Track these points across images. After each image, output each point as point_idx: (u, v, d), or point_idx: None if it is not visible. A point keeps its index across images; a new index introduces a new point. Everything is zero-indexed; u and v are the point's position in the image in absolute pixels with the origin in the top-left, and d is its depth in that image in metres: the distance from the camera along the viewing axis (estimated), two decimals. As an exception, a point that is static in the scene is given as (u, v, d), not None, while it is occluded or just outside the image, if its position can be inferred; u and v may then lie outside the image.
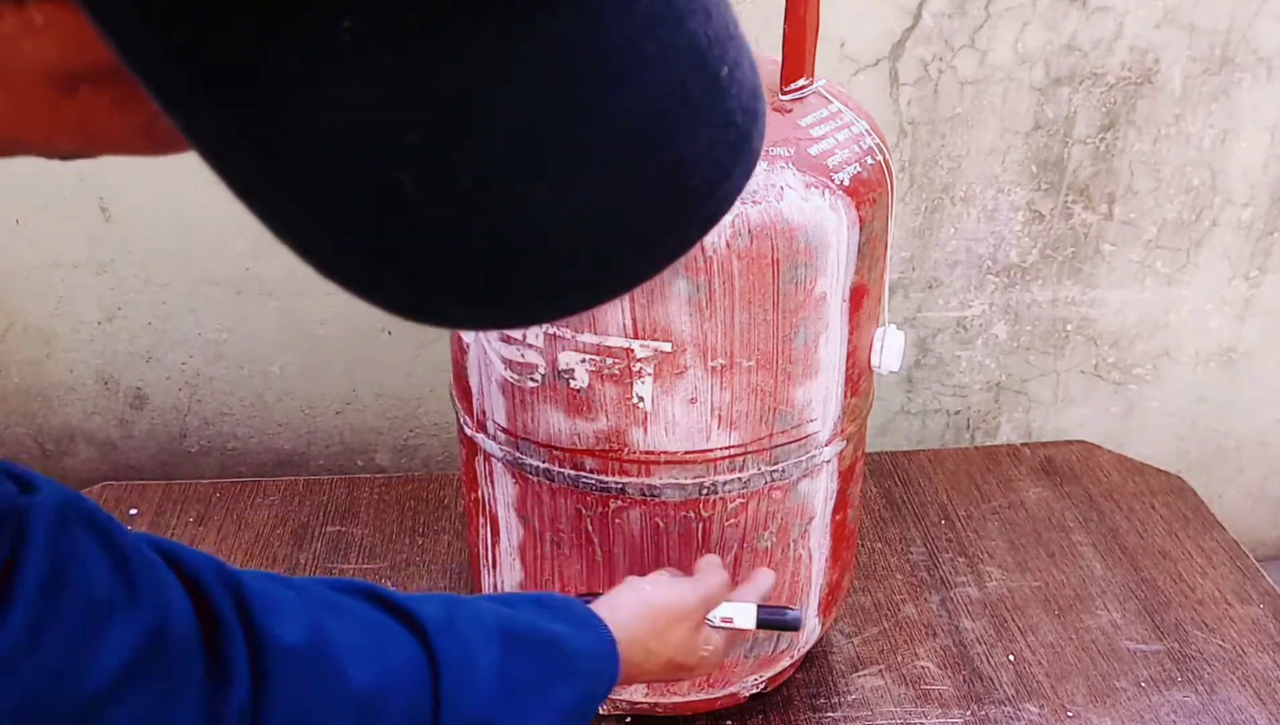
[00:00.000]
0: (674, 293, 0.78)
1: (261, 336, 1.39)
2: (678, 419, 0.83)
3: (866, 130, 0.85)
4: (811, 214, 0.78)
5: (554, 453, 0.87)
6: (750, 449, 0.86)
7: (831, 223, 0.79)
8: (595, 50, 0.28)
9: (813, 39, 0.83)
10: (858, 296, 0.85)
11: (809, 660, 1.08)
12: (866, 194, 0.82)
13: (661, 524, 0.87)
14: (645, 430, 0.84)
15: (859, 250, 0.83)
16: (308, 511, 1.27)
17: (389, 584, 1.17)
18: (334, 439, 1.47)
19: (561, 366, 0.82)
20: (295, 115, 0.27)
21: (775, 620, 0.84)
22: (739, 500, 0.87)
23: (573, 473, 0.87)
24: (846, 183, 0.80)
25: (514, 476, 0.90)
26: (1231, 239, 1.44)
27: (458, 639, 0.63)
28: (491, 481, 0.93)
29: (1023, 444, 1.44)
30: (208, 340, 1.39)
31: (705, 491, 0.86)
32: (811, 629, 0.99)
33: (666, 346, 0.80)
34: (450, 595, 0.68)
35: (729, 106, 0.32)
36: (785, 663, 1.00)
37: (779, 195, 0.77)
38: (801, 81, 0.83)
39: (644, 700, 0.99)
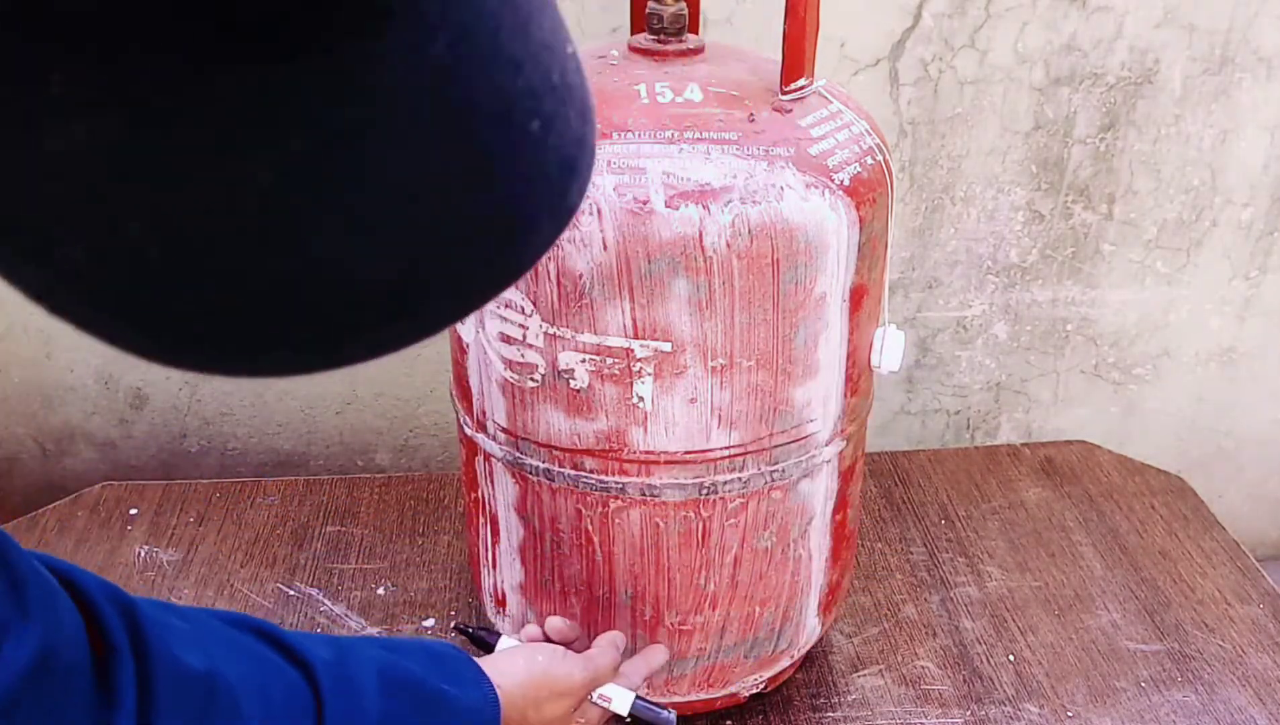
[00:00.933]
0: (674, 293, 0.78)
1: (261, 336, 1.39)
2: (678, 419, 0.83)
3: (866, 130, 0.85)
4: (811, 214, 0.78)
5: (554, 453, 0.87)
6: (750, 449, 0.86)
7: (831, 223, 0.79)
8: (363, 112, 0.27)
9: (813, 39, 0.83)
10: (858, 296, 0.85)
11: (809, 660, 1.08)
12: (866, 194, 0.82)
13: (661, 524, 0.87)
14: (645, 430, 0.84)
15: (859, 250, 0.83)
16: (307, 511, 1.27)
17: (389, 584, 1.17)
18: (334, 439, 1.47)
19: (561, 366, 0.82)
20: (11, 168, 0.26)
21: (649, 714, 0.87)
22: (739, 500, 0.87)
23: (573, 473, 0.87)
24: (846, 183, 0.80)
25: (514, 476, 0.90)
26: (1231, 239, 1.44)
27: (345, 683, 0.64)
28: (491, 481, 0.93)
29: (1023, 444, 1.44)
30: (208, 340, 1.39)
31: (705, 491, 0.86)
32: (812, 629, 0.99)
33: (666, 346, 0.80)
34: (338, 637, 0.70)
35: (541, 160, 0.32)
36: (785, 663, 1.00)
37: (779, 195, 0.77)
38: (801, 81, 0.83)
39: (644, 700, 0.99)
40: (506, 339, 0.84)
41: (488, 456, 0.92)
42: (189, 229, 0.27)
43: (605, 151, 0.78)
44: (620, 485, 0.86)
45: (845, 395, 0.89)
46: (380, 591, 1.16)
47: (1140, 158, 1.38)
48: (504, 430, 0.89)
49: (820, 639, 1.04)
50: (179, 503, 1.28)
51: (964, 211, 1.39)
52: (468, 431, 0.93)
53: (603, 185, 0.76)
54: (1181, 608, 1.17)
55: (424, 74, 0.28)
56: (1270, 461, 1.62)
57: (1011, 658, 1.10)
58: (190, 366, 0.31)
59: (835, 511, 0.94)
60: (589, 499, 0.87)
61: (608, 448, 0.85)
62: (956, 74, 1.31)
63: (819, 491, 0.91)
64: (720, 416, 0.83)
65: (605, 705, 0.85)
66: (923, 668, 1.09)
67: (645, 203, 0.76)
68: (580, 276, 0.78)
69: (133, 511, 1.26)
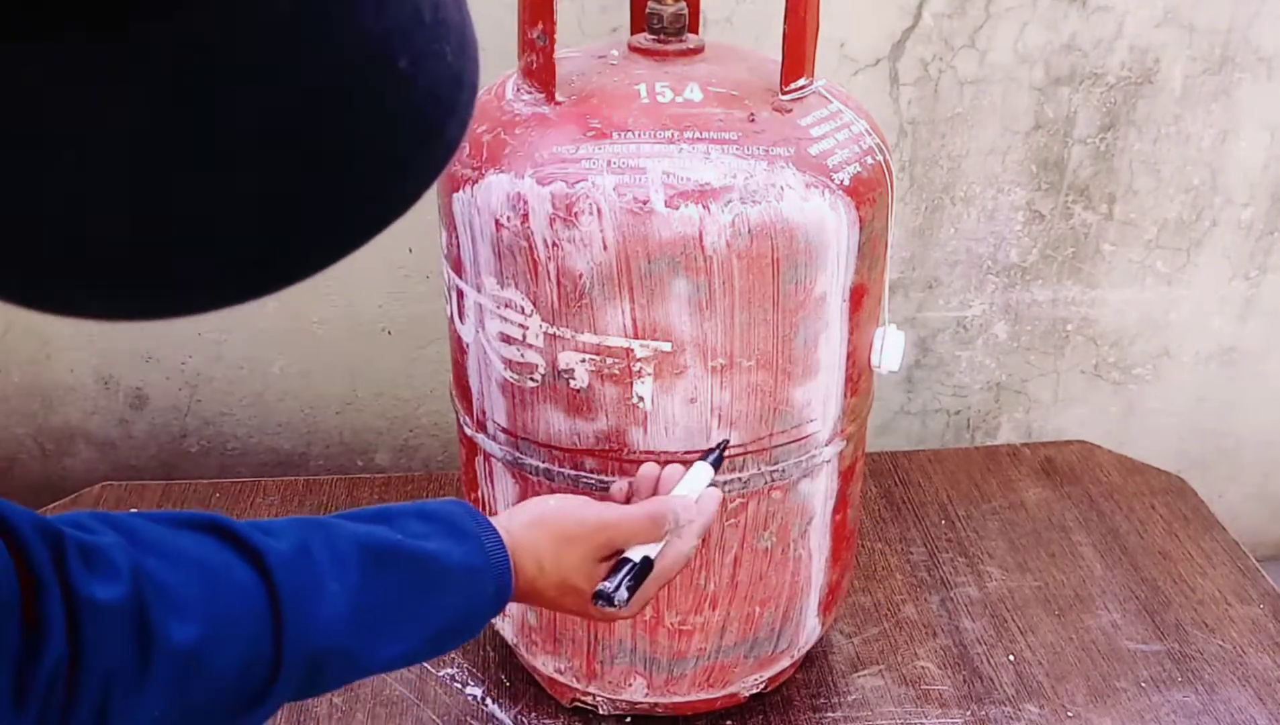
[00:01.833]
0: (674, 293, 0.78)
1: (261, 336, 1.39)
2: (678, 419, 0.83)
3: (866, 130, 0.85)
4: (811, 214, 0.78)
5: (554, 453, 0.87)
6: (750, 449, 0.86)
7: (831, 223, 0.79)
8: (211, 57, 0.27)
9: (813, 39, 0.83)
10: (858, 296, 0.85)
11: (809, 660, 1.08)
12: (866, 194, 0.82)
13: (661, 524, 0.87)
14: (645, 430, 0.84)
15: (859, 250, 0.83)
16: (307, 512, 1.27)
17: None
18: (333, 439, 1.47)
19: (561, 366, 0.82)
20: None
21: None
22: (739, 500, 0.87)
23: (573, 473, 0.87)
24: (846, 183, 0.80)
25: (514, 476, 0.90)
26: (1231, 239, 1.44)
27: (306, 569, 0.61)
28: (491, 481, 0.93)
29: (1023, 444, 1.44)
30: (208, 340, 1.39)
31: (705, 491, 0.86)
32: (812, 629, 0.99)
33: (666, 346, 0.80)
34: (312, 518, 0.66)
35: (410, 97, 0.32)
36: (785, 663, 1.00)
37: (779, 195, 0.77)
38: (801, 81, 0.83)
39: (644, 700, 0.99)
40: (506, 339, 0.84)
41: (488, 456, 0.92)
42: (60, 187, 0.28)
43: (605, 151, 0.78)
44: (620, 485, 0.86)
45: (845, 395, 0.89)
46: (380, 591, 1.16)
47: (1140, 158, 1.38)
48: (504, 430, 0.89)
49: (820, 639, 1.04)
50: (179, 503, 1.28)
51: (964, 211, 1.39)
52: (468, 431, 0.93)
53: (603, 185, 0.76)
54: (1181, 608, 1.17)
55: (279, 13, 0.28)
56: (1270, 461, 1.62)
57: (1011, 658, 1.10)
58: (70, 312, 0.32)
59: (835, 511, 0.94)
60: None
61: (608, 448, 0.85)
62: (956, 74, 1.31)
63: (819, 491, 0.91)
64: (720, 416, 0.83)
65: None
66: (923, 668, 1.09)
67: (645, 203, 0.76)
68: (580, 276, 0.78)
69: (133, 511, 1.26)
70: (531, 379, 0.84)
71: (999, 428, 1.56)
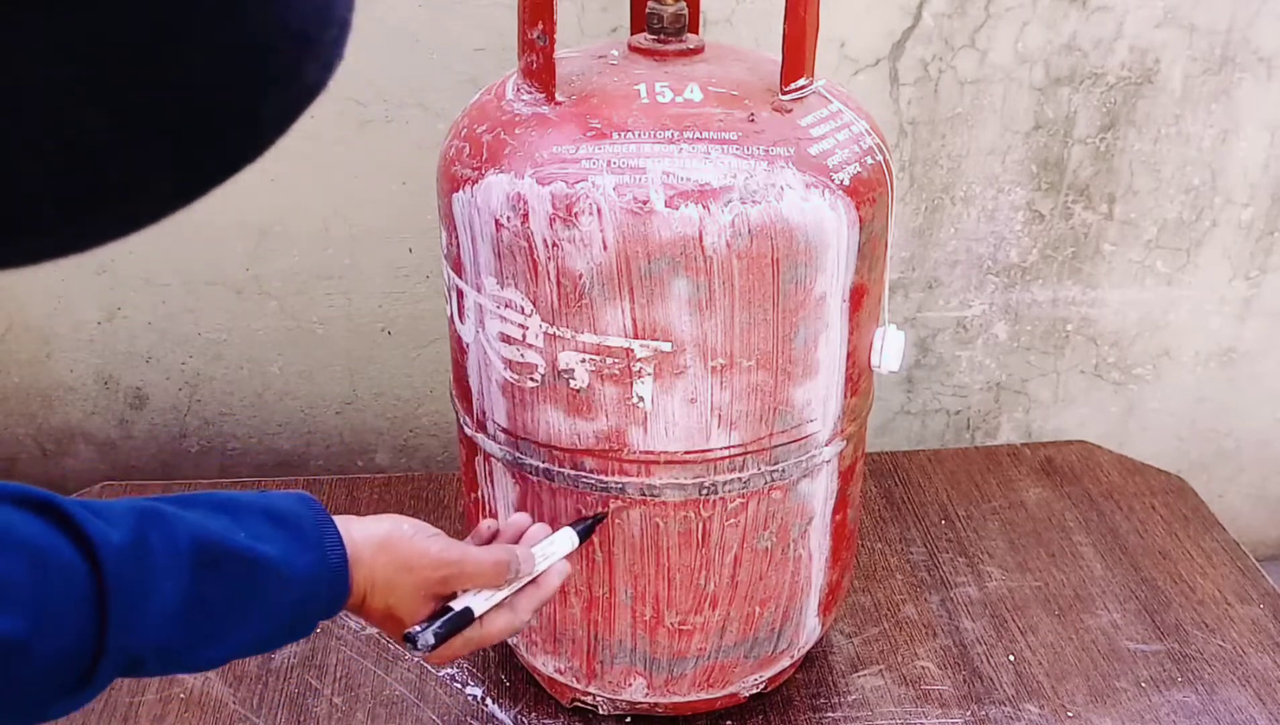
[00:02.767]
0: (674, 293, 0.78)
1: (261, 336, 1.39)
2: (678, 419, 0.83)
3: (866, 130, 0.85)
4: (811, 214, 0.78)
5: (554, 453, 0.87)
6: (750, 449, 0.86)
7: (831, 223, 0.79)
8: None
9: (813, 39, 0.83)
10: (858, 296, 0.85)
11: (809, 660, 1.08)
12: (866, 194, 0.82)
13: (661, 524, 0.87)
14: (645, 430, 0.84)
15: (859, 250, 0.83)
16: (308, 511, 1.27)
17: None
18: (334, 439, 1.47)
19: (561, 366, 0.82)
20: None
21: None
22: (739, 500, 0.87)
23: (573, 473, 0.87)
24: (846, 183, 0.80)
25: (514, 476, 0.90)
26: (1231, 239, 1.44)
27: (138, 563, 0.60)
28: (491, 481, 0.93)
29: (1023, 444, 1.44)
30: (208, 340, 1.39)
31: (705, 491, 0.86)
32: (812, 629, 0.99)
33: (666, 346, 0.80)
34: (152, 505, 0.64)
35: (260, 32, 0.28)
36: (785, 663, 1.00)
37: (779, 195, 0.77)
38: (801, 81, 0.83)
39: (644, 700, 0.99)
40: (506, 339, 0.84)
41: (488, 456, 0.91)
42: None
43: (605, 151, 0.78)
44: (620, 485, 0.86)
45: (845, 395, 0.89)
46: (380, 591, 1.16)
47: (1140, 158, 1.38)
48: (504, 430, 0.89)
49: (820, 639, 1.04)
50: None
51: (964, 211, 1.39)
52: (468, 431, 0.93)
53: (603, 185, 0.76)
54: (1181, 608, 1.17)
55: None
56: (1270, 461, 1.62)
57: (1011, 658, 1.10)
58: None
59: (835, 511, 0.94)
60: (589, 499, 0.87)
61: (608, 448, 0.85)
62: (956, 74, 1.31)
63: (819, 491, 0.91)
64: (720, 416, 0.83)
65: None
66: (923, 668, 1.09)
67: (645, 203, 0.76)
68: (580, 276, 0.78)
69: None
70: (531, 379, 0.84)
71: (999, 428, 1.56)
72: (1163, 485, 1.36)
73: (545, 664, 0.99)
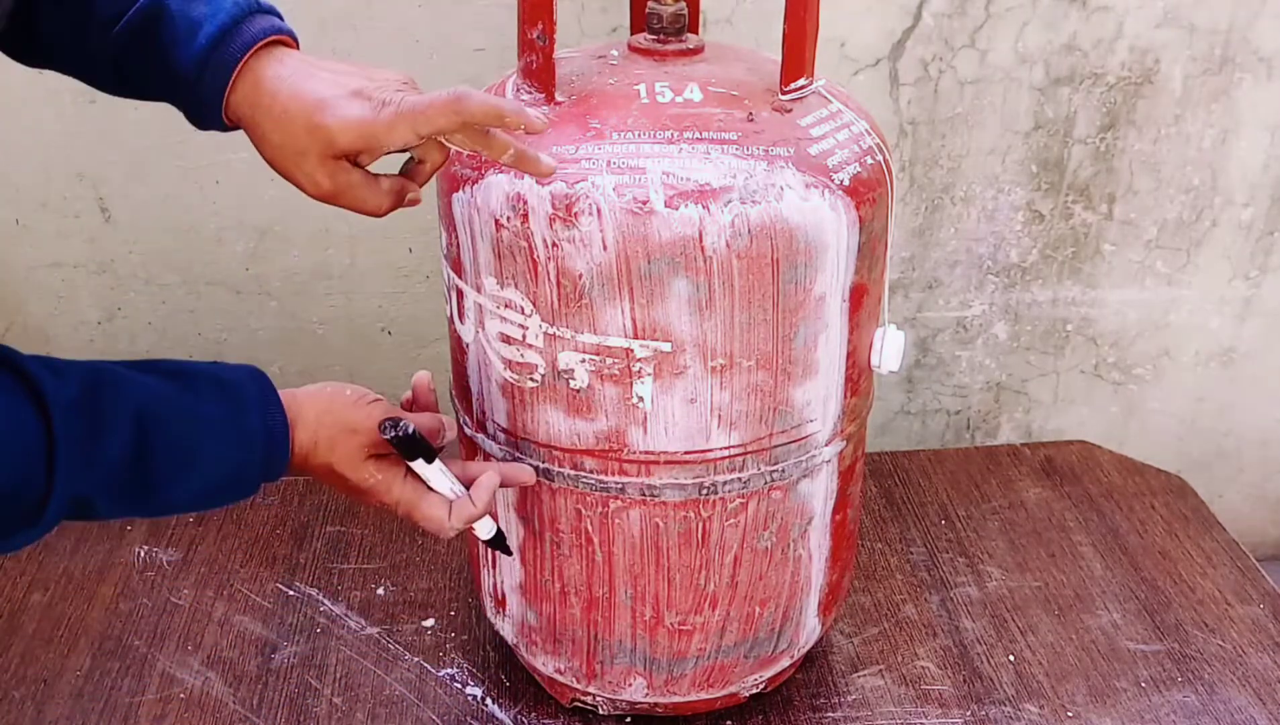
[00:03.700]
0: (674, 293, 0.78)
1: (261, 336, 1.39)
2: (677, 419, 0.83)
3: (866, 130, 0.85)
4: (811, 214, 0.78)
5: (554, 453, 0.87)
6: (750, 449, 0.86)
7: (831, 223, 0.79)
8: None
9: (813, 39, 0.83)
10: (858, 296, 0.85)
11: (809, 660, 1.08)
12: (866, 194, 0.82)
13: (661, 524, 0.87)
14: (645, 430, 0.84)
15: (859, 250, 0.83)
16: (308, 511, 1.27)
17: (389, 584, 1.17)
18: (334, 439, 1.47)
19: (561, 366, 0.82)
20: None
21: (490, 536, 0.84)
22: (739, 500, 0.87)
23: (573, 473, 0.87)
24: (846, 183, 0.80)
25: (514, 476, 0.90)
26: (1231, 239, 1.44)
27: (86, 416, 0.65)
28: (491, 481, 0.93)
29: (1023, 444, 1.44)
30: (208, 340, 1.39)
31: (705, 491, 0.86)
32: (812, 629, 0.99)
33: (666, 346, 0.80)
34: (106, 365, 0.69)
35: None
36: (785, 663, 1.00)
37: (779, 195, 0.77)
38: (801, 81, 0.83)
39: (644, 700, 0.99)
40: (506, 339, 0.84)
41: (487, 456, 0.91)
42: None
43: (605, 151, 0.78)
44: (620, 485, 0.86)
45: (845, 395, 0.89)
46: (380, 591, 1.16)
47: (1140, 158, 1.38)
48: (504, 430, 0.89)
49: (820, 639, 1.04)
50: (179, 503, 1.27)
51: (964, 211, 1.39)
52: (468, 431, 0.93)
53: (603, 185, 0.76)
54: (1181, 608, 1.17)
55: None
56: (1270, 461, 1.62)
57: (1011, 658, 1.10)
58: None
59: (835, 511, 0.94)
60: (589, 499, 0.87)
61: (608, 448, 0.85)
62: (956, 74, 1.31)
63: (819, 491, 0.91)
64: (720, 416, 0.83)
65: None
66: (923, 668, 1.09)
67: (645, 203, 0.76)
68: (580, 276, 0.78)
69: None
70: (531, 379, 0.84)
71: (999, 428, 1.56)
72: (1163, 485, 1.36)
73: (545, 664, 0.99)
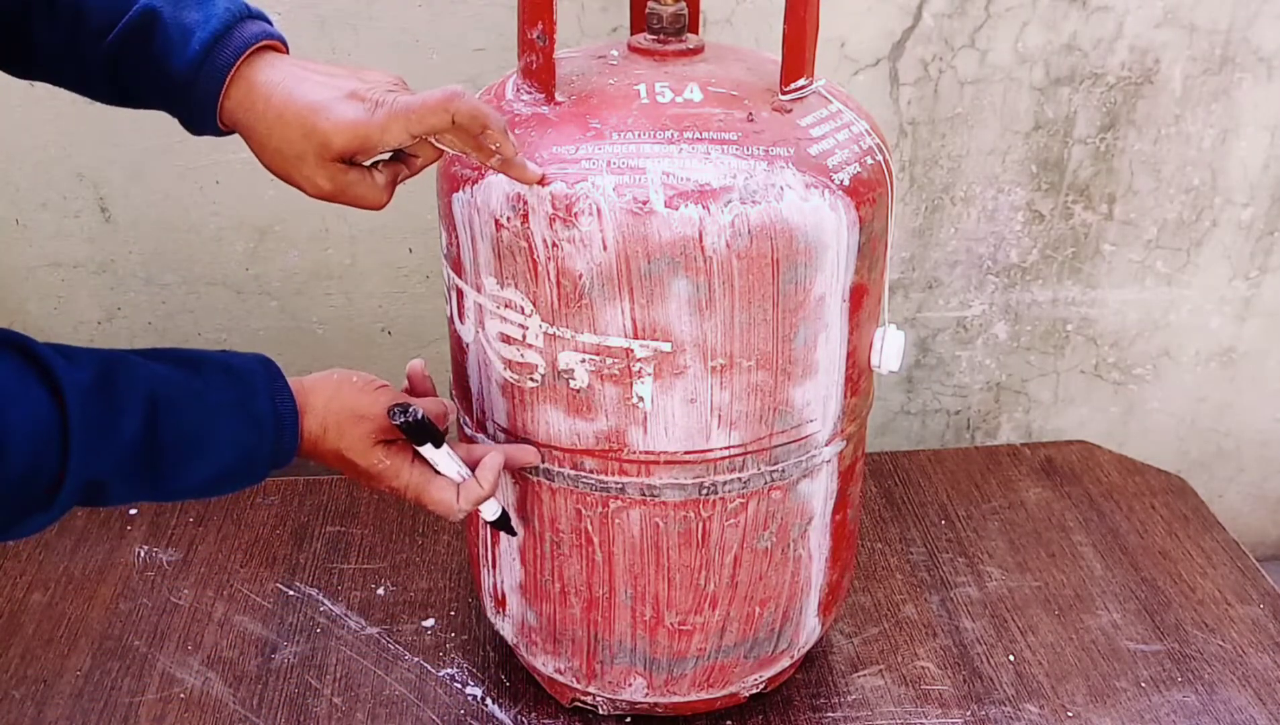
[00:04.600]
0: (674, 293, 0.78)
1: (261, 336, 1.39)
2: (677, 419, 0.83)
3: (866, 130, 0.85)
4: (811, 214, 0.78)
5: (554, 453, 0.87)
6: (750, 449, 0.86)
7: (831, 223, 0.79)
8: None
9: (813, 39, 0.83)
10: (858, 296, 0.85)
11: (809, 660, 1.08)
12: (866, 194, 0.82)
13: (661, 524, 0.87)
14: (645, 430, 0.84)
15: (859, 250, 0.83)
16: (308, 511, 1.27)
17: (389, 584, 1.17)
18: (334, 439, 1.47)
19: (561, 366, 0.82)
20: None
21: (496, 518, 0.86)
22: (739, 500, 0.87)
23: (573, 473, 0.87)
24: (846, 183, 0.80)
25: (514, 477, 0.90)
26: (1231, 239, 1.44)
27: (100, 402, 0.67)
28: (491, 481, 0.93)
29: (1023, 444, 1.44)
30: (208, 340, 1.39)
31: (705, 491, 0.86)
32: (812, 629, 0.99)
33: (666, 346, 0.80)
34: (119, 354, 0.71)
35: None
36: (785, 663, 1.00)
37: (779, 195, 0.77)
38: (801, 81, 0.83)
39: (644, 700, 0.99)
40: (506, 339, 0.84)
41: (488, 456, 0.91)
42: None
43: (605, 151, 0.78)
44: (620, 485, 0.86)
45: (845, 395, 0.89)
46: (380, 591, 1.16)
47: (1140, 158, 1.38)
48: (504, 430, 0.89)
49: (820, 639, 1.04)
50: (179, 503, 1.28)
51: (964, 211, 1.39)
52: (468, 431, 0.93)
53: (603, 185, 0.76)
54: (1181, 608, 1.17)
55: None
56: (1270, 461, 1.62)
57: (1011, 658, 1.10)
58: None
59: (835, 511, 0.94)
60: (589, 499, 0.87)
61: (608, 448, 0.85)
62: (956, 74, 1.31)
63: (819, 491, 0.91)
64: (720, 416, 0.83)
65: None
66: (923, 668, 1.09)
67: (645, 203, 0.76)
68: (580, 276, 0.78)
69: (132, 512, 1.26)
70: (531, 379, 0.84)
71: (999, 428, 1.56)
72: (1163, 485, 1.36)
73: (545, 664, 0.99)
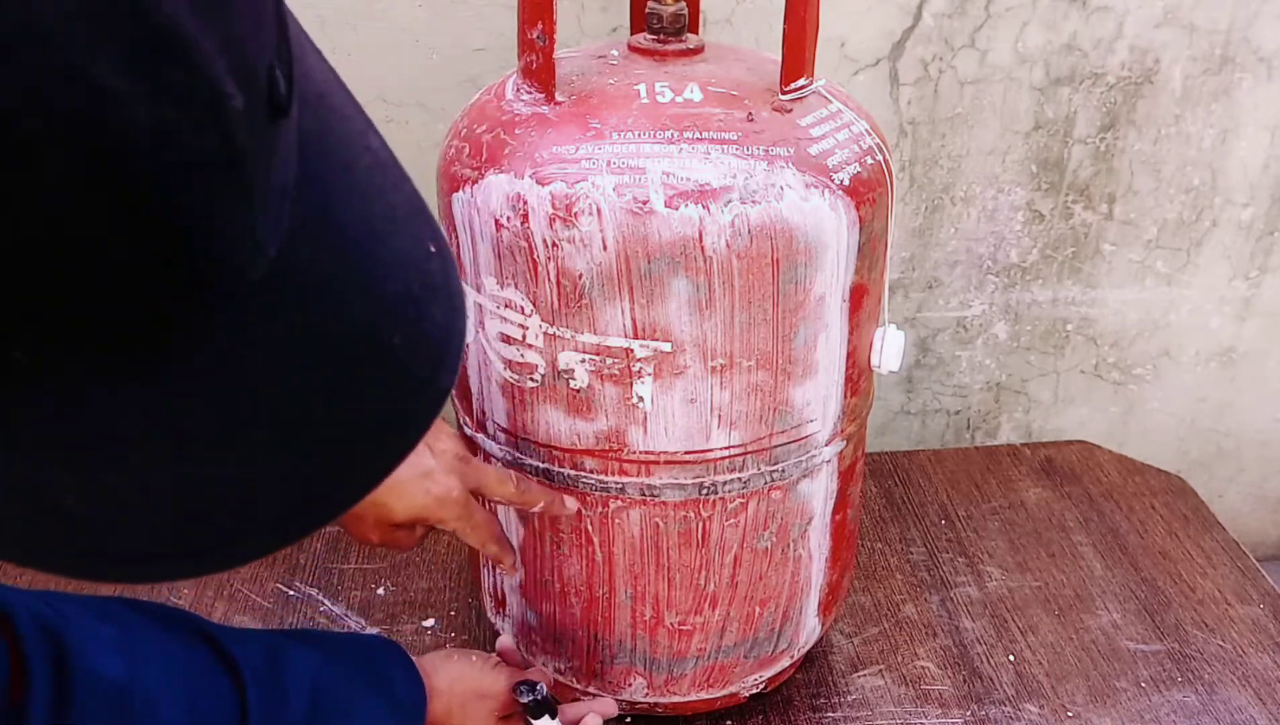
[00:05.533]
0: (674, 293, 0.78)
1: (261, 336, 1.39)
2: (677, 419, 0.83)
3: (866, 130, 0.85)
4: (811, 214, 0.78)
5: (554, 453, 0.87)
6: (750, 449, 0.86)
7: (831, 223, 0.79)
8: (244, 368, 0.31)
9: (813, 39, 0.83)
10: (858, 296, 0.85)
11: (809, 660, 1.08)
12: (866, 194, 0.82)
13: (661, 524, 0.88)
14: (645, 430, 0.84)
15: (859, 250, 0.83)
16: (308, 511, 1.27)
17: (389, 584, 1.17)
18: (334, 439, 1.47)
19: (561, 366, 0.82)
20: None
21: None
22: (739, 500, 0.87)
23: (572, 473, 0.87)
24: (846, 183, 0.80)
25: (514, 477, 0.90)
26: (1231, 239, 1.44)
27: (273, 688, 0.70)
28: (491, 481, 0.93)
29: (1023, 444, 1.44)
30: (208, 340, 1.39)
31: (705, 491, 0.86)
32: (812, 629, 0.99)
33: (666, 346, 0.80)
34: (277, 638, 0.76)
35: (404, 365, 0.35)
36: (785, 663, 1.00)
37: (778, 195, 0.77)
38: (801, 81, 0.83)
39: (644, 700, 0.99)
40: (506, 339, 0.84)
41: (487, 456, 0.91)
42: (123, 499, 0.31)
43: (605, 151, 0.78)
44: (620, 485, 0.86)
45: (845, 395, 0.89)
46: (380, 591, 1.16)
47: (1140, 158, 1.38)
48: (503, 430, 0.89)
49: (820, 639, 1.04)
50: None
51: (964, 211, 1.39)
52: (467, 431, 0.93)
53: (603, 185, 0.76)
54: (1181, 608, 1.17)
55: (285, 329, 0.31)
56: (1270, 461, 1.62)
57: (1011, 658, 1.10)
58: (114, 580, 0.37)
59: (835, 511, 0.94)
60: (589, 499, 0.87)
61: (607, 448, 0.85)
62: (956, 74, 1.31)
63: (819, 491, 0.91)
64: (720, 416, 0.83)
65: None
66: (923, 668, 1.09)
67: (645, 203, 0.76)
68: (580, 276, 0.78)
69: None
70: (531, 379, 0.84)
71: (999, 428, 1.56)
72: (1163, 485, 1.36)
73: (545, 664, 0.99)
